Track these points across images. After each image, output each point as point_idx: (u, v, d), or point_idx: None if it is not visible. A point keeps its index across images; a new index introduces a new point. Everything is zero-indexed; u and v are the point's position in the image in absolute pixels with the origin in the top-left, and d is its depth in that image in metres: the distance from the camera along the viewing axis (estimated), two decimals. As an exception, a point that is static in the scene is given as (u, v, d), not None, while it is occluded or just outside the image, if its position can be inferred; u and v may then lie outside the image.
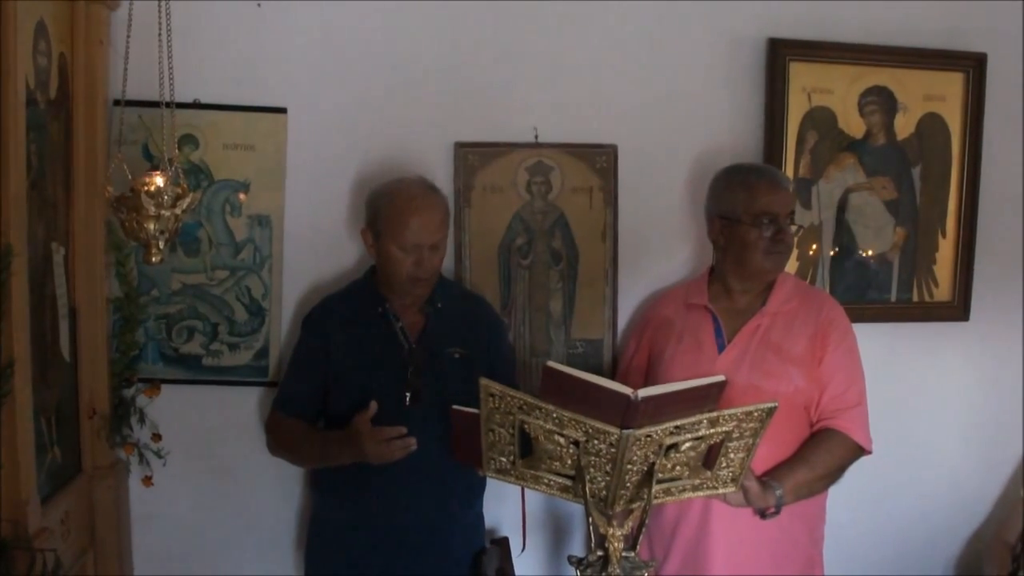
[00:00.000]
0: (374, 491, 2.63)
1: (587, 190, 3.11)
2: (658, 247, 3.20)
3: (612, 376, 3.05)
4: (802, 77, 3.22)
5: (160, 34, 2.31)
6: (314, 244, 3.00)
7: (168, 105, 2.35)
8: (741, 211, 2.68)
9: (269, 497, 3.06)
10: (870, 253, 3.34)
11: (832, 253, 3.30)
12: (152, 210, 2.24)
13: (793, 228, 2.68)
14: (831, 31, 3.22)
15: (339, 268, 3.02)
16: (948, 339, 3.45)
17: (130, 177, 2.30)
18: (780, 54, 3.17)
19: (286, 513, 3.09)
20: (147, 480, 2.93)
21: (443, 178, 2.98)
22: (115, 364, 2.86)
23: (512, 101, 3.08)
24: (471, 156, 3.04)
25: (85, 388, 2.71)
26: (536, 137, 3.07)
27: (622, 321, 3.19)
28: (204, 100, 2.88)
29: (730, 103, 3.21)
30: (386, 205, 2.64)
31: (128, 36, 2.34)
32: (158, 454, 2.93)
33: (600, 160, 3.11)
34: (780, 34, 3.18)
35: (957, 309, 3.43)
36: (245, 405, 3.02)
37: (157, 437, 2.93)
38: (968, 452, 3.53)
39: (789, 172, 3.20)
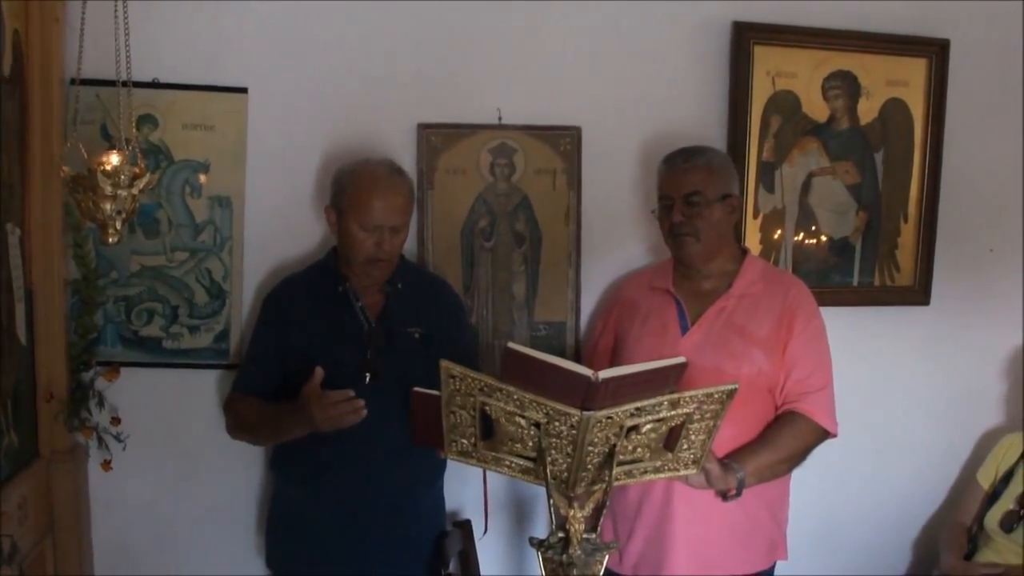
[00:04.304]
0: (334, 472, 2.63)
1: (550, 172, 3.10)
2: (621, 230, 3.21)
3: (576, 358, 3.06)
4: (766, 61, 3.22)
5: (116, 12, 2.28)
6: (275, 226, 2.98)
7: (125, 84, 2.32)
8: (657, 196, 2.79)
9: (230, 480, 3.05)
10: (833, 237, 3.36)
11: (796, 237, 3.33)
12: (108, 190, 2.20)
13: (699, 208, 2.65)
14: (796, 15, 3.23)
15: (301, 250, 3.00)
16: (909, 323, 3.49)
17: (86, 157, 2.26)
18: (744, 37, 3.18)
19: (247, 495, 3.07)
20: (106, 464, 2.90)
21: (406, 160, 2.96)
22: (73, 347, 2.82)
23: (475, 82, 3.06)
24: (434, 137, 3.02)
25: (42, 371, 2.68)
26: (499, 119, 3.06)
27: (585, 303, 3.19)
28: (163, 79, 2.84)
29: (694, 86, 3.22)
30: (351, 184, 2.63)
31: (83, 13, 2.29)
32: (117, 438, 2.91)
33: (564, 142, 3.10)
34: (744, 17, 3.19)
35: (918, 293, 3.47)
36: (205, 388, 3.00)
37: (116, 421, 2.91)
38: (927, 436, 3.57)
39: (753, 156, 3.22)
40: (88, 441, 2.87)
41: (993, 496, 3.29)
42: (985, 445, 3.54)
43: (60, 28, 2.63)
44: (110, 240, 2.26)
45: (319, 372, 2.43)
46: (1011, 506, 3.21)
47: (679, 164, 2.72)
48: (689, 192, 2.67)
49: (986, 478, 3.36)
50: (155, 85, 2.83)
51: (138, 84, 2.46)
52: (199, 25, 2.88)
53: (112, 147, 2.29)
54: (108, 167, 2.21)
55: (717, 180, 2.71)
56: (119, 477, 2.93)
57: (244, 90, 2.92)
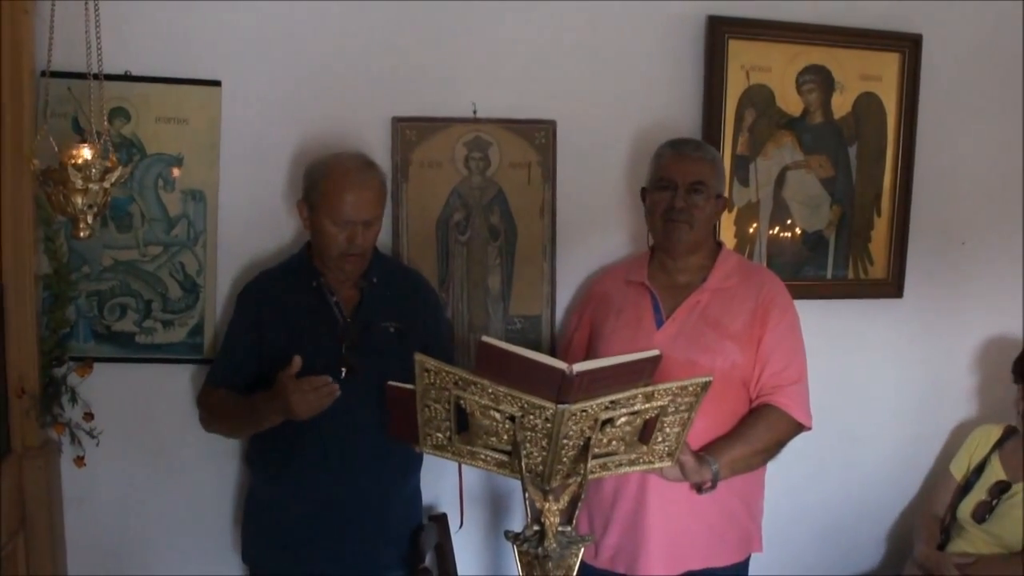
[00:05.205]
0: (309, 466, 2.62)
1: (525, 166, 3.10)
2: (596, 223, 3.21)
3: (552, 352, 3.07)
4: (741, 55, 3.24)
5: (87, 3, 2.25)
6: (250, 219, 2.96)
7: (96, 77, 2.29)
8: (650, 179, 2.78)
9: (204, 475, 3.03)
10: (807, 230, 3.37)
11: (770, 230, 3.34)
12: (80, 183, 2.18)
13: (700, 199, 2.67)
14: (770, 9, 3.25)
15: (276, 244, 2.98)
16: (882, 316, 3.51)
17: (57, 150, 2.24)
18: (719, 32, 3.19)
19: (222, 491, 3.05)
20: (79, 460, 2.88)
21: (380, 153, 2.96)
22: (45, 342, 2.79)
23: (450, 76, 3.05)
24: (409, 131, 3.01)
25: (13, 367, 2.65)
26: (474, 112, 3.05)
27: (560, 297, 3.19)
28: (135, 72, 2.82)
29: (669, 80, 3.22)
30: (322, 179, 2.61)
31: (53, 5, 2.27)
32: (91, 434, 2.88)
33: (539, 136, 3.10)
34: (719, 12, 3.20)
35: (891, 286, 3.49)
36: (180, 383, 2.98)
37: (89, 416, 2.88)
38: (900, 428, 3.60)
39: (727, 149, 3.23)
40: (61, 437, 2.85)
41: (966, 487, 3.32)
42: (958, 437, 3.57)
43: (30, 20, 2.60)
44: (82, 234, 2.24)
45: (296, 361, 2.42)
46: (983, 497, 3.24)
47: (689, 152, 2.73)
48: (695, 181, 2.68)
49: (959, 469, 3.39)
50: (127, 78, 2.81)
51: (110, 77, 2.45)
52: (172, 17, 2.85)
53: (83, 140, 2.27)
54: (79, 160, 2.19)
55: (718, 177, 2.76)
56: (92, 473, 2.90)
57: (218, 83, 2.89)
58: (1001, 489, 3.22)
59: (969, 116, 3.52)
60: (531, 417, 1.94)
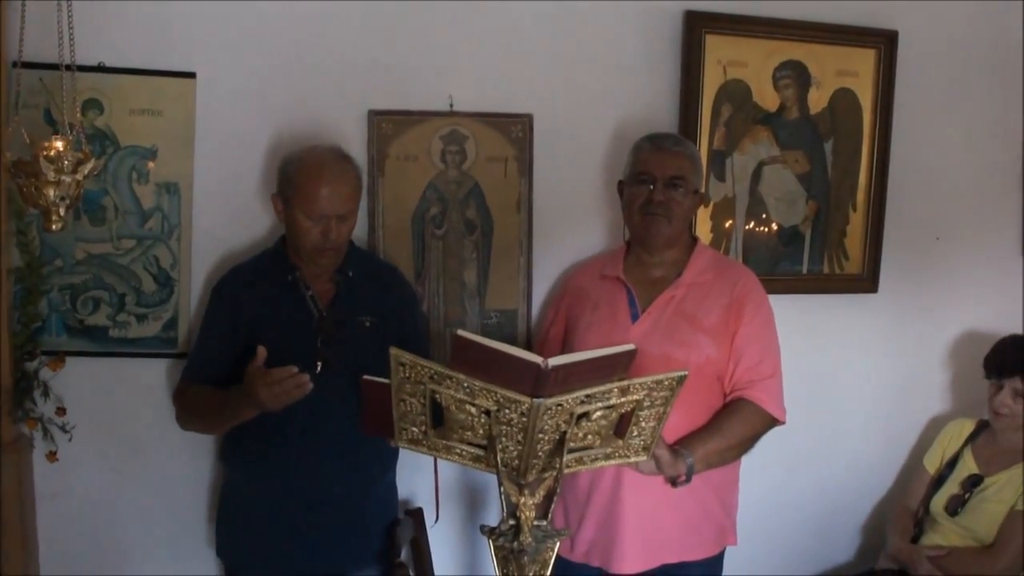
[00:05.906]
0: (284, 461, 2.61)
1: (502, 160, 3.10)
2: (573, 218, 3.21)
3: (528, 347, 3.06)
4: (718, 50, 3.24)
5: (59, -8, 2.24)
6: (224, 212, 2.94)
7: (69, 68, 2.27)
8: (627, 173, 2.78)
9: (179, 471, 3.01)
10: (783, 226, 3.38)
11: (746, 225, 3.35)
12: (52, 175, 2.16)
13: (678, 193, 2.68)
14: (747, 5, 3.25)
15: (250, 237, 2.96)
16: (857, 311, 3.53)
17: (28, 142, 2.22)
18: (696, 26, 3.19)
19: (196, 487, 3.04)
20: (52, 455, 2.85)
21: (356, 146, 2.94)
22: (16, 336, 2.77)
23: (427, 69, 3.04)
24: (385, 124, 3.00)
25: (-15, 361, 2.63)
26: (451, 106, 3.05)
27: (536, 292, 3.19)
28: (109, 63, 2.79)
29: (646, 74, 3.22)
30: (296, 172, 2.60)
31: (25, -6, 2.25)
32: (63, 428, 2.86)
33: (515, 130, 3.09)
34: (697, 7, 3.20)
35: (866, 282, 3.51)
36: (153, 377, 2.96)
37: (62, 411, 2.85)
38: (875, 422, 3.62)
39: (704, 144, 3.23)
40: (33, 432, 2.82)
41: (939, 481, 3.34)
42: (932, 431, 3.59)
43: (2, 10, 2.57)
44: (54, 227, 2.23)
45: (262, 352, 2.39)
46: (956, 490, 3.26)
47: (669, 147, 2.73)
48: (674, 175, 2.68)
49: (932, 463, 3.41)
50: (101, 69, 2.78)
51: (83, 68, 2.42)
52: (146, 8, 2.83)
53: (56, 132, 2.25)
54: (51, 152, 2.18)
55: (696, 172, 2.76)
56: (65, 468, 2.88)
57: (192, 75, 2.87)
58: (973, 483, 3.24)
59: (944, 112, 3.54)
60: (506, 411, 1.94)
